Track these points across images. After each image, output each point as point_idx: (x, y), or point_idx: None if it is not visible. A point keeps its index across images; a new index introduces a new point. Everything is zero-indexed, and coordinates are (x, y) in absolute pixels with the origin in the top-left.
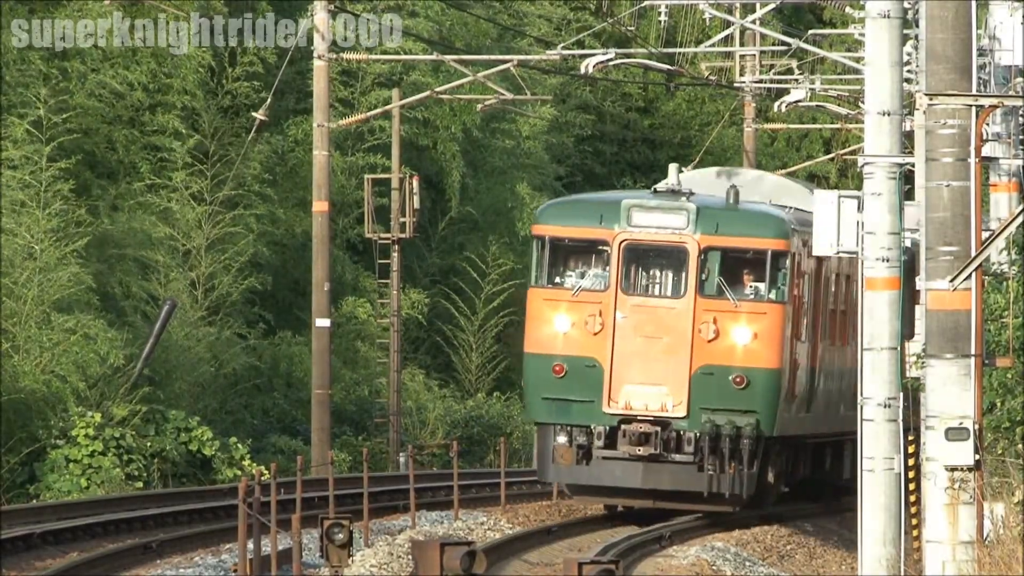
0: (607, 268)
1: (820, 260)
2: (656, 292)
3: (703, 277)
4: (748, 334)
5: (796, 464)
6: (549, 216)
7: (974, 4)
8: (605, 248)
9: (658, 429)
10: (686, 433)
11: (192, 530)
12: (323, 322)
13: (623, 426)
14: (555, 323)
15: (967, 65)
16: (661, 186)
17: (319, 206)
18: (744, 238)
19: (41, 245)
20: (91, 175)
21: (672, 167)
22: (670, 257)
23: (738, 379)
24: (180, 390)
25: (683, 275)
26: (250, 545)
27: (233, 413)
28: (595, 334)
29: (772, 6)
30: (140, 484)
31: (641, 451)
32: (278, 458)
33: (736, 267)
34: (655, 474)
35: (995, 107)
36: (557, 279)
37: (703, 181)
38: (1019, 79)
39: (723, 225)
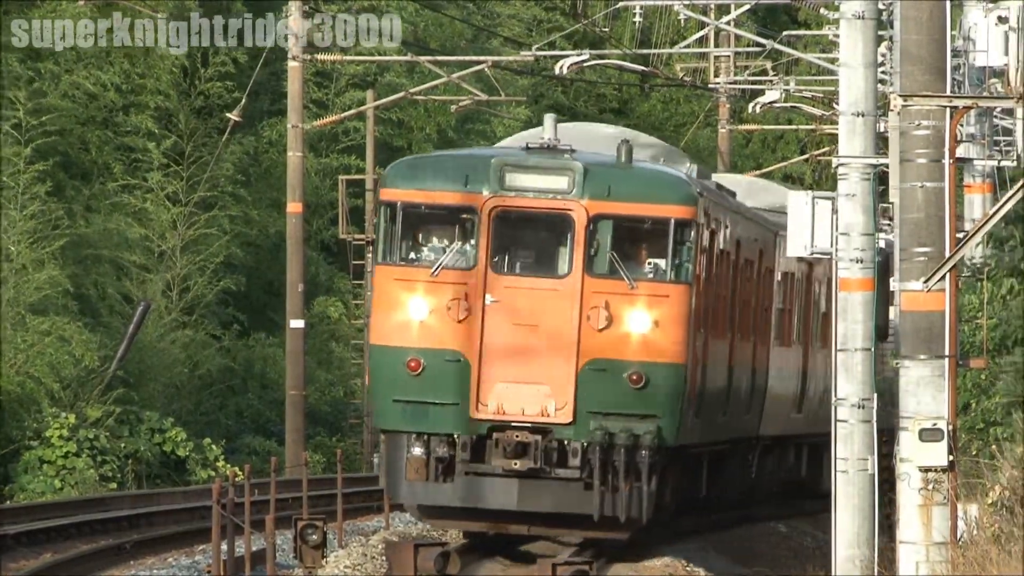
0: (474, 241)
1: (739, 243)
2: (534, 270)
3: (592, 252)
4: (647, 321)
5: (695, 479)
6: (400, 177)
7: (948, 5)
8: (471, 216)
9: (538, 438)
10: (572, 443)
11: (166, 531)
12: (297, 323)
13: (495, 434)
14: (409, 308)
15: (941, 66)
16: (535, 142)
17: (293, 207)
18: (641, 204)
19: (17, 247)
20: (65, 176)
21: (548, 117)
22: (551, 227)
23: (635, 376)
24: (154, 391)
25: (567, 249)
26: (224, 546)
27: (207, 414)
28: (460, 322)
29: (747, 7)
30: (114, 485)
31: (517, 465)
32: (252, 459)
33: (631, 240)
34: (534, 493)
35: (969, 108)
36: (412, 255)
37: (580, 138)
38: (993, 80)
39: (616, 188)
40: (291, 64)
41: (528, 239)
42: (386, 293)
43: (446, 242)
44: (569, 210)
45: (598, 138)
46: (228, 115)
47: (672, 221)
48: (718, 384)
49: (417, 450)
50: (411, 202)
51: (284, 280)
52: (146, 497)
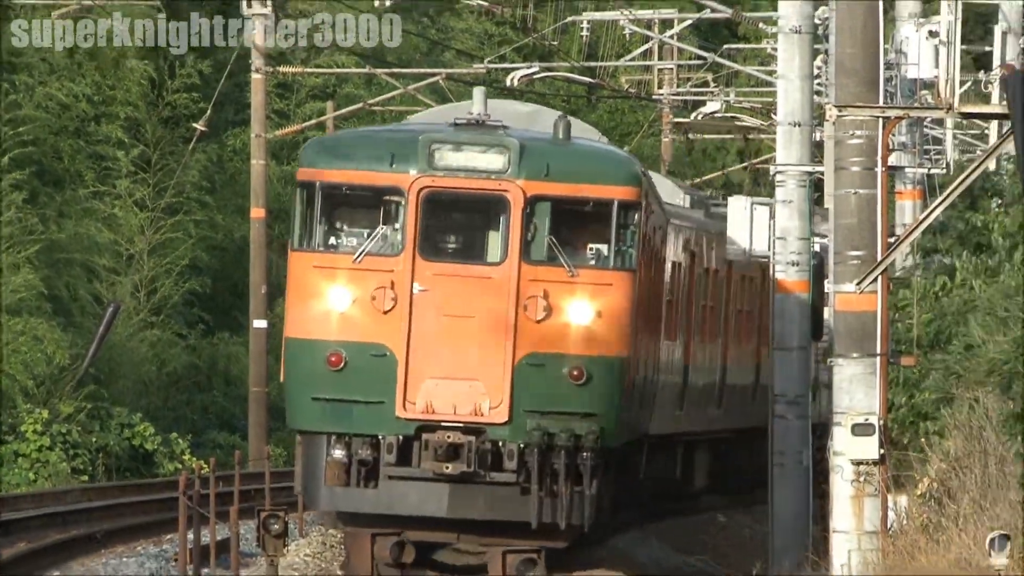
0: (400, 225)
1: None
2: (466, 257)
3: (529, 237)
4: (589, 312)
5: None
6: (320, 156)
7: (882, 20)
8: (397, 198)
9: (471, 439)
10: (507, 445)
11: (135, 521)
12: (260, 323)
13: (424, 435)
14: (329, 298)
15: (875, 78)
16: (463, 117)
17: (256, 213)
18: (582, 184)
19: None
20: (39, 184)
21: (478, 90)
22: (485, 210)
23: (576, 372)
24: (124, 388)
25: (502, 234)
26: (190, 535)
27: (174, 410)
28: (385, 313)
29: (689, 22)
30: (85, 477)
31: (449, 469)
32: (217, 452)
33: (571, 223)
34: (466, 499)
35: (901, 119)
36: (332, 240)
37: (494, 115)
38: (924, 92)
39: (555, 167)
40: (254, 76)
41: (459, 223)
42: (303, 282)
43: (369, 227)
44: (504, 191)
45: (512, 116)
46: (194, 125)
47: (615, 203)
48: (647, 380)
49: (338, 452)
50: (331, 183)
51: (248, 282)
52: (116, 489)
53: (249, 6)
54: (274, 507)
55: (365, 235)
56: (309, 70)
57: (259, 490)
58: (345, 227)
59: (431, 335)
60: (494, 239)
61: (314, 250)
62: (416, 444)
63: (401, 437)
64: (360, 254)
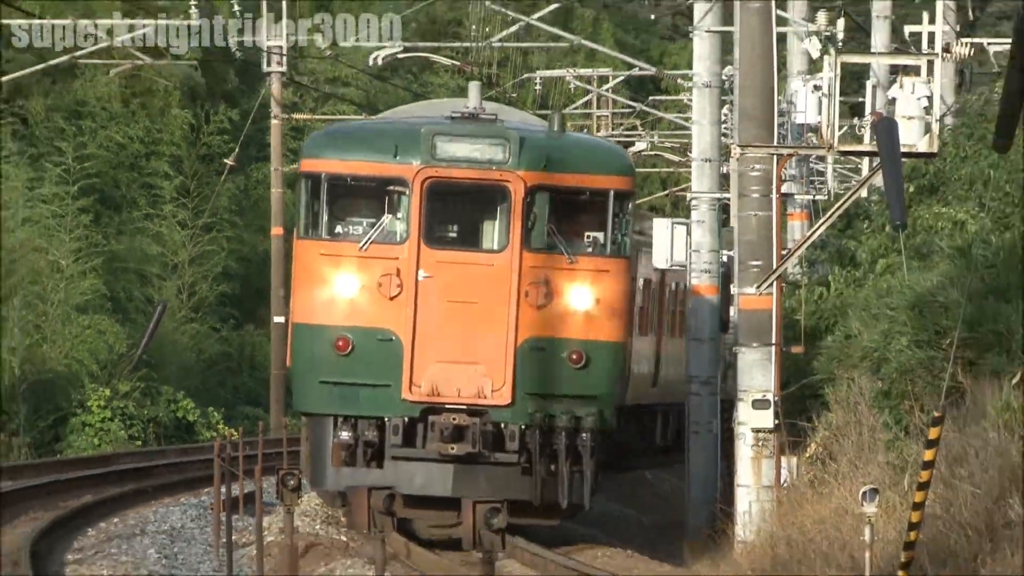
0: (405, 214)
1: None
2: (469, 244)
3: (529, 225)
4: (588, 298)
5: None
6: (325, 147)
7: (776, 77)
8: (402, 188)
9: (475, 421)
10: (509, 426)
11: (178, 478)
12: (279, 319)
13: (430, 417)
14: (337, 285)
15: (770, 123)
16: (459, 110)
17: (275, 231)
18: (580, 175)
19: (66, 261)
20: (101, 207)
21: (473, 85)
22: (487, 199)
23: (575, 356)
24: (170, 371)
25: (504, 222)
26: (223, 489)
27: (210, 389)
28: (391, 299)
29: (621, 78)
30: (139, 443)
31: (455, 449)
32: (244, 423)
33: (569, 212)
34: (469, 479)
35: (791, 156)
36: (338, 228)
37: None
38: (810, 134)
39: (554, 158)
40: (273, 122)
41: (462, 212)
42: (311, 269)
43: (374, 215)
44: (506, 181)
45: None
46: (225, 161)
47: (611, 192)
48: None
49: (345, 434)
50: (336, 173)
51: (269, 286)
52: (163, 452)
53: (268, 65)
54: (290, 467)
55: (371, 224)
56: (316, 117)
57: (278, 453)
58: (350, 216)
59: (436, 320)
60: (496, 227)
61: (320, 238)
62: (421, 426)
63: (407, 419)
64: (366, 242)
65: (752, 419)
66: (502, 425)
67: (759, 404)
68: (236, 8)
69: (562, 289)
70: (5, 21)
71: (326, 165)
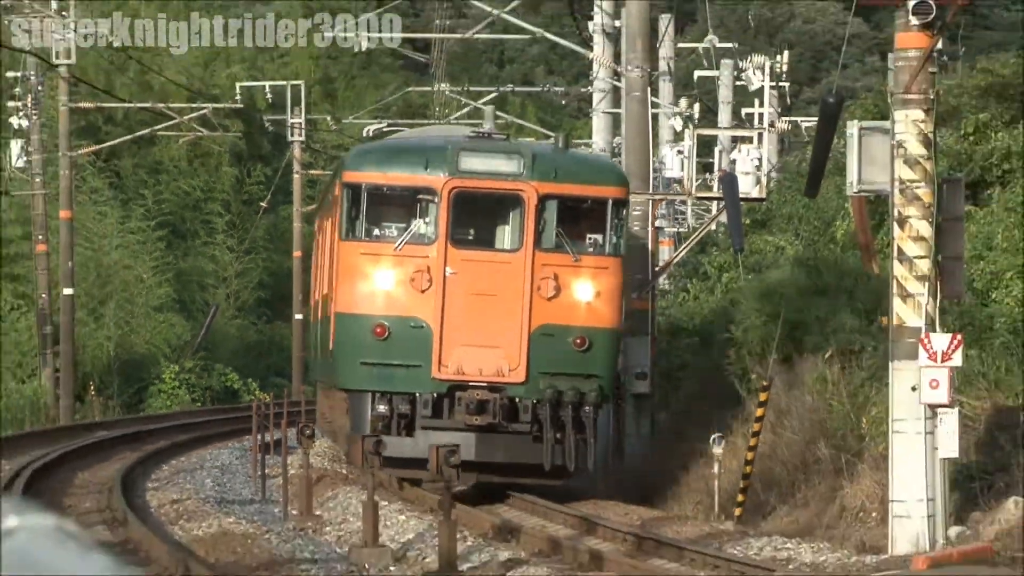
0: (434, 218)
1: None
2: (489, 245)
3: (540, 228)
4: (590, 291)
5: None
6: (364, 162)
7: (651, 144)
8: (432, 196)
9: (496, 396)
10: (523, 400)
11: (226, 429)
12: (298, 316)
13: (457, 393)
14: (376, 280)
15: (647, 177)
16: (475, 131)
17: (296, 254)
18: (583, 185)
19: (147, 275)
20: (172, 236)
21: (488, 109)
22: (504, 206)
23: (579, 340)
24: (221, 353)
25: (519, 226)
26: (258, 437)
27: (249, 365)
28: (422, 292)
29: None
30: (199, 404)
31: (479, 420)
32: (274, 390)
33: (573, 217)
34: (489, 446)
35: (661, 200)
36: (375, 231)
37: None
38: (675, 184)
39: (561, 171)
40: (295, 176)
41: (483, 217)
42: (353, 266)
43: (406, 220)
44: (520, 190)
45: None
46: (261, 203)
47: (610, 201)
48: None
49: (381, 407)
50: (375, 184)
51: (291, 293)
52: (216, 411)
53: (291, 136)
54: (307, 421)
55: (404, 227)
56: (325, 172)
57: (298, 411)
58: (386, 220)
59: (460, 310)
60: (511, 230)
61: (361, 240)
62: (447, 401)
63: (435, 394)
64: (400, 243)
65: (635, 387)
66: (516, 399)
67: (639, 376)
68: (268, 96)
69: (568, 283)
70: (105, 104)
71: (366, 177)
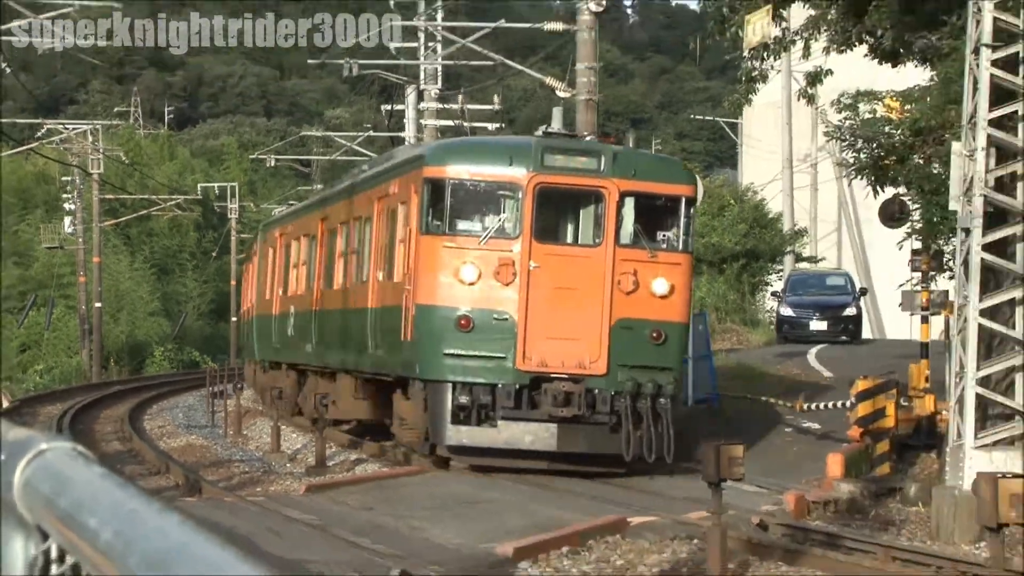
0: (518, 213)
1: None
2: (571, 240)
3: (619, 225)
4: (665, 286)
5: None
6: (447, 157)
7: None
8: (516, 192)
9: (580, 388)
10: (603, 392)
11: (191, 384)
12: (234, 319)
13: (543, 384)
14: (460, 273)
15: None
16: (550, 130)
17: (232, 283)
18: (659, 183)
19: (145, 297)
20: (160, 273)
21: (557, 110)
22: (586, 202)
23: (656, 334)
24: (189, 340)
25: (600, 222)
26: (210, 388)
27: (205, 347)
28: (506, 285)
29: None
30: (175, 370)
31: (565, 412)
32: (220, 362)
33: (648, 214)
34: (571, 437)
35: None
36: (459, 225)
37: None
38: None
39: (639, 169)
40: (232, 237)
41: (565, 212)
42: (434, 260)
43: (488, 215)
44: (602, 187)
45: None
46: (212, 254)
47: (683, 198)
48: None
49: (463, 398)
50: (460, 179)
51: (230, 305)
52: (184, 375)
53: (229, 215)
54: (239, 380)
55: (483, 221)
56: (251, 237)
57: (233, 374)
58: (467, 215)
59: (543, 303)
60: (593, 226)
61: (444, 234)
62: (529, 391)
63: (518, 385)
64: (485, 237)
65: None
66: (595, 391)
67: (700, 402)
68: (216, 191)
69: (645, 278)
70: (120, 196)
71: (449, 172)
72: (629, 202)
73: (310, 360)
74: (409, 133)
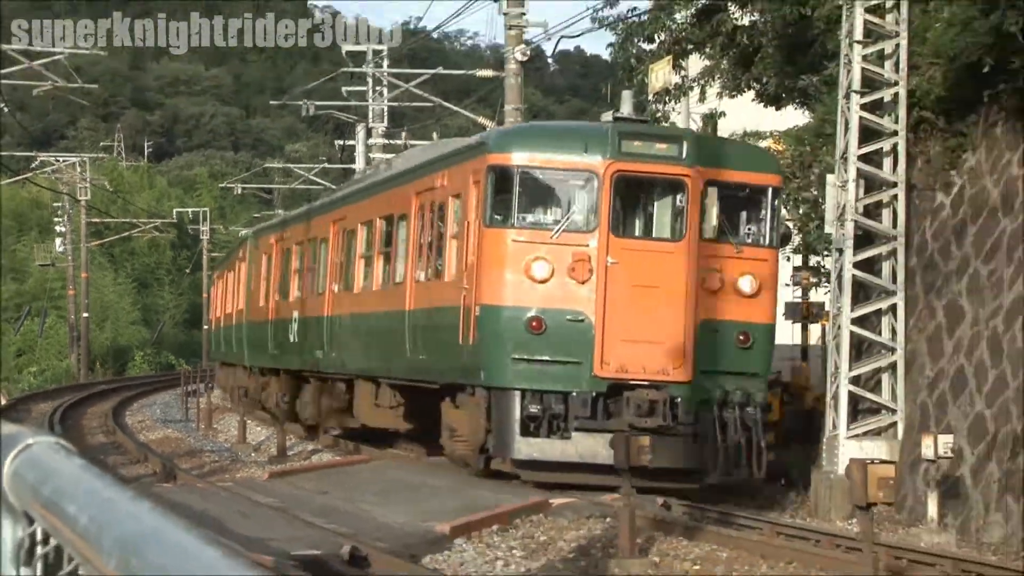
0: (593, 204)
1: None
2: (651, 233)
3: (701, 217)
4: (751, 284)
5: None
6: (514, 143)
7: None
8: (590, 181)
9: (665, 396)
10: (686, 401)
11: (168, 384)
12: (206, 327)
13: (625, 393)
14: (531, 270)
15: None
16: (620, 115)
17: (204, 295)
18: (745, 172)
19: (127, 308)
20: (140, 287)
21: (626, 93)
22: (667, 192)
23: (742, 336)
24: (166, 345)
25: (681, 214)
26: (185, 387)
27: (180, 351)
28: (582, 283)
29: None
30: (154, 372)
31: (649, 423)
32: (193, 364)
33: (733, 205)
34: (659, 451)
35: None
36: (528, 217)
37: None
38: None
39: (723, 156)
40: (204, 256)
41: (642, 203)
42: (501, 255)
43: (558, 206)
44: (685, 175)
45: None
46: (186, 270)
47: (770, 189)
48: None
49: (534, 407)
50: (528, 166)
51: (202, 315)
52: (164, 376)
53: (201, 236)
54: (210, 381)
55: (553, 213)
56: (222, 253)
57: (205, 375)
58: (536, 206)
59: (622, 303)
60: (675, 218)
61: (511, 227)
62: (605, 400)
63: (595, 393)
64: (558, 230)
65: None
66: (676, 399)
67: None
68: (190, 215)
69: (731, 276)
70: (105, 220)
71: (516, 159)
72: (712, 192)
73: (320, 367)
74: (359, 165)
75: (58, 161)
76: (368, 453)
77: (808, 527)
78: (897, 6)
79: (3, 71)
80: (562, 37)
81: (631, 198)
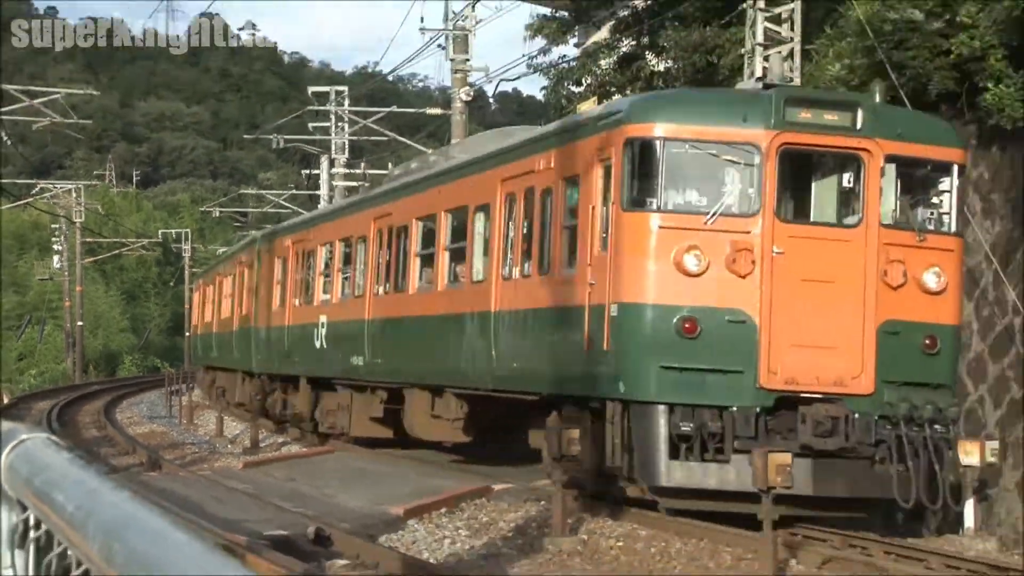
0: (755, 184)
1: None
2: (824, 218)
3: (881, 198)
4: (937, 278)
5: None
6: (657, 112)
7: None
8: (751, 157)
9: (848, 413)
10: (869, 418)
11: (154, 384)
12: (188, 333)
13: (800, 408)
14: (682, 262)
15: None
16: (773, 82)
17: (186, 306)
18: (927, 146)
19: (118, 317)
20: (128, 299)
21: (776, 56)
22: (841, 169)
23: (929, 341)
24: (152, 350)
25: (859, 195)
26: (169, 387)
27: (165, 355)
28: (743, 276)
29: None
30: (141, 374)
31: (829, 444)
32: (176, 367)
33: (913, 185)
34: (828, 476)
35: None
36: (677, 199)
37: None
38: None
39: (904, 127)
40: (186, 271)
41: (814, 182)
42: (645, 244)
43: (712, 185)
44: (864, 149)
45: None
46: (170, 284)
47: (955, 166)
48: None
49: (686, 425)
50: (677, 139)
51: (184, 323)
52: (149, 378)
53: (184, 253)
54: (191, 382)
55: (707, 194)
56: (202, 267)
57: (187, 376)
58: (686, 186)
59: (790, 300)
60: (851, 200)
61: (656, 210)
62: (773, 416)
63: (759, 408)
64: (713, 215)
65: None
66: (855, 417)
67: None
68: (173, 235)
69: (915, 269)
70: (98, 240)
71: (661, 130)
72: (891, 170)
73: (360, 374)
74: (324, 192)
75: (55, 188)
76: (332, 445)
77: (728, 511)
78: (791, 54)
79: (6, 108)
80: (501, 80)
81: (797, 177)
